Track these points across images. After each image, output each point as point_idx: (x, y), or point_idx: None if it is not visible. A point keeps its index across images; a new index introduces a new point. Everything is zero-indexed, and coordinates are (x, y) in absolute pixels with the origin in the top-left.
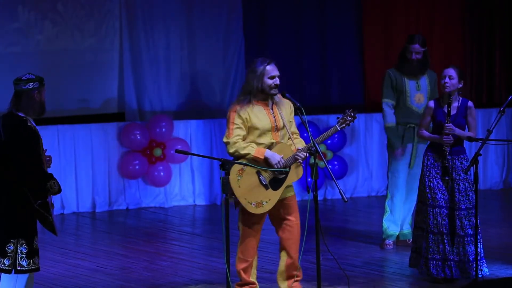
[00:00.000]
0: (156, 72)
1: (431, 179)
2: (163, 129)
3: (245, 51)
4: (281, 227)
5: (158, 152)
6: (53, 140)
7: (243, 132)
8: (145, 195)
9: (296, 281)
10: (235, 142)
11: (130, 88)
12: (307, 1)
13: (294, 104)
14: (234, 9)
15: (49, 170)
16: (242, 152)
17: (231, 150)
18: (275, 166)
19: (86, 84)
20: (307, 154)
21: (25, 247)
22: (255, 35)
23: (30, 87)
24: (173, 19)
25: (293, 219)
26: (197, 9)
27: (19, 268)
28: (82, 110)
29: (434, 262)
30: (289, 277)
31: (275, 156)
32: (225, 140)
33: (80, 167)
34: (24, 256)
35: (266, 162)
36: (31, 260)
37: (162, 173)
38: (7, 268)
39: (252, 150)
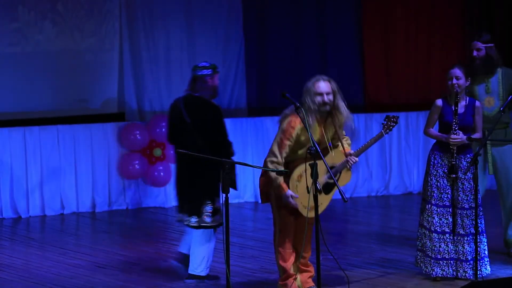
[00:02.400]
0: (156, 72)
1: (438, 179)
2: (163, 129)
3: (245, 51)
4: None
5: (158, 152)
6: (53, 140)
7: (286, 153)
8: (145, 195)
9: (310, 277)
10: (278, 163)
11: (130, 88)
12: (307, 1)
13: (294, 104)
14: (234, 9)
15: (48, 170)
16: (273, 176)
17: (271, 166)
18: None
19: (86, 84)
20: (358, 159)
21: (210, 207)
22: (255, 35)
23: (204, 73)
24: (173, 19)
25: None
26: (197, 9)
27: (203, 225)
28: (82, 110)
29: (436, 261)
30: (301, 271)
31: (288, 195)
32: (274, 149)
33: (80, 167)
34: (209, 214)
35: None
36: (214, 218)
37: (162, 173)
38: (195, 225)
39: (280, 184)
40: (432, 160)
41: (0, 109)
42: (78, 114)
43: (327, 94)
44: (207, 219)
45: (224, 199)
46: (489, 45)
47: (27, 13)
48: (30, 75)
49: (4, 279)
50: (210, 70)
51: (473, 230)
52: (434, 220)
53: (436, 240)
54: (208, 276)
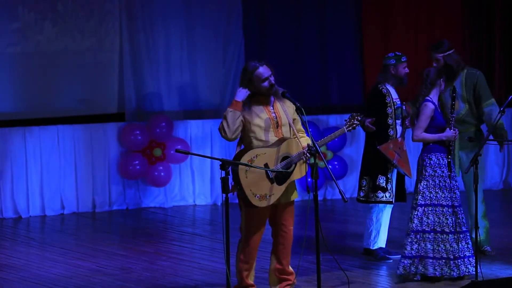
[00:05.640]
0: (156, 72)
1: (445, 179)
2: (163, 129)
3: (245, 51)
4: (277, 231)
5: (158, 152)
6: (53, 140)
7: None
8: (145, 195)
9: (288, 285)
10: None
11: (130, 88)
12: (307, 1)
13: (294, 104)
14: (234, 9)
15: (49, 170)
16: (224, 115)
17: (220, 127)
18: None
19: (86, 84)
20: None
21: (365, 181)
22: (255, 35)
23: (387, 62)
24: (173, 19)
25: (289, 226)
26: (197, 9)
27: (362, 199)
28: (82, 110)
29: (431, 261)
30: (280, 280)
31: (241, 92)
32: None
33: (80, 167)
34: (365, 189)
35: (238, 104)
36: (373, 194)
37: (162, 173)
38: (362, 199)
39: (229, 109)
40: (438, 161)
41: (0, 109)
42: (78, 114)
43: (270, 76)
44: (362, 193)
45: (224, 199)
46: (447, 53)
47: (27, 13)
48: (30, 75)
49: (5, 279)
50: (393, 60)
51: (457, 229)
52: (445, 220)
53: (440, 240)
54: (371, 250)
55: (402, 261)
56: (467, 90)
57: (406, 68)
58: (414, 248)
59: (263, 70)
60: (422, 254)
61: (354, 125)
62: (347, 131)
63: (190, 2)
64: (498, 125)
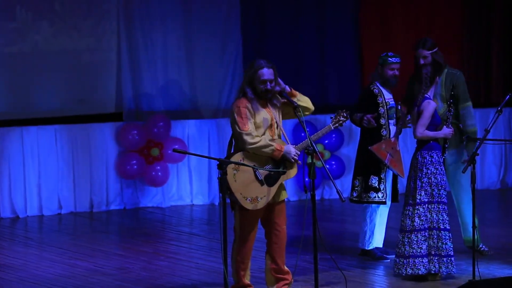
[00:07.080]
0: (154, 72)
1: (443, 177)
2: (161, 129)
3: (243, 51)
4: (270, 230)
5: (155, 152)
6: (50, 140)
7: (253, 127)
8: (143, 195)
9: (285, 284)
10: (256, 135)
11: (128, 88)
12: (306, 1)
13: (292, 104)
14: (233, 9)
15: (46, 170)
16: (266, 145)
17: (252, 140)
18: (291, 159)
19: (84, 84)
20: (299, 152)
21: (358, 182)
22: (253, 35)
23: (378, 61)
24: (170, 18)
25: (282, 225)
26: (195, 9)
27: (354, 199)
28: (79, 110)
29: (437, 258)
30: (277, 280)
31: (290, 150)
32: (240, 130)
33: (77, 167)
34: (358, 189)
35: (282, 156)
36: (365, 194)
37: (159, 173)
38: (355, 199)
39: (273, 144)
40: (437, 159)
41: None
42: (76, 114)
43: (270, 82)
44: (354, 193)
45: (221, 198)
46: (434, 50)
47: (24, 13)
48: (27, 75)
49: (3, 279)
50: (380, 59)
51: (426, 225)
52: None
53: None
54: (366, 251)
55: (413, 260)
56: (446, 90)
57: (396, 71)
58: (423, 247)
59: (266, 72)
60: (431, 251)
61: (341, 122)
62: (333, 128)
63: (188, 1)
64: (469, 133)
